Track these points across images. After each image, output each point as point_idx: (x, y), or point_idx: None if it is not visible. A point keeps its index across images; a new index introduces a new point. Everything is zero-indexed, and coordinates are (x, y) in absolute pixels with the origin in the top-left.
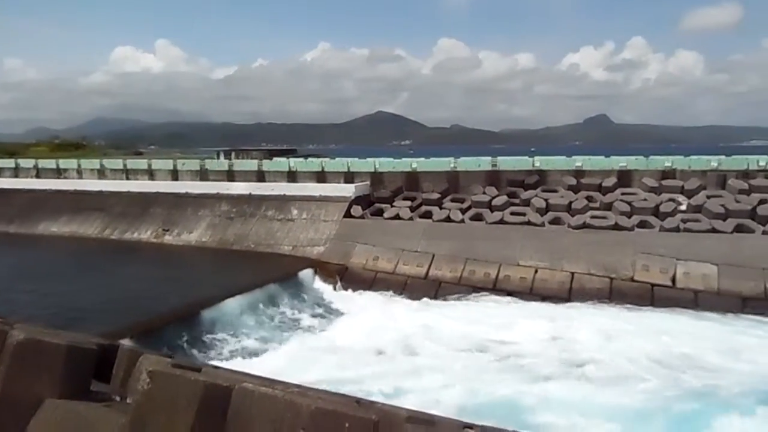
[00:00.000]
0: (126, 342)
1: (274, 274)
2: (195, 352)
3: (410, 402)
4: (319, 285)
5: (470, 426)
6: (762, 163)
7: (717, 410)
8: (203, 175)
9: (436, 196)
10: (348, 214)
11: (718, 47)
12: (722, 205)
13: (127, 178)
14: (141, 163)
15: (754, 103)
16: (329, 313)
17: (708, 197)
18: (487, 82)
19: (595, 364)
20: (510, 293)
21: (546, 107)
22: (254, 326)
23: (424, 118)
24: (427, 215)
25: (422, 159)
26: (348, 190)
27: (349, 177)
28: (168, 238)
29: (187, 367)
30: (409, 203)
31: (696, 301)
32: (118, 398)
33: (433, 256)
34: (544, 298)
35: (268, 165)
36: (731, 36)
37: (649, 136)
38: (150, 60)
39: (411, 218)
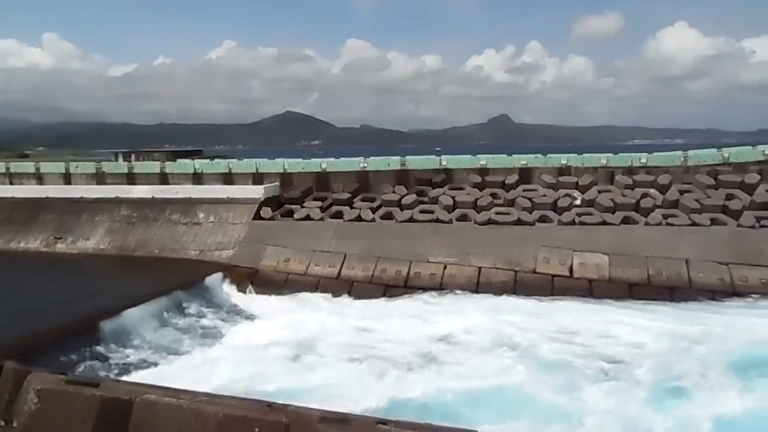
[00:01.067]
0: (11, 362)
1: (180, 280)
2: (94, 366)
3: (316, 400)
4: (229, 289)
5: (384, 422)
6: (643, 161)
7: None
8: (100, 178)
9: (346, 195)
10: (257, 216)
11: (604, 53)
12: (611, 199)
13: (11, 183)
14: (27, 166)
15: (636, 106)
16: (239, 317)
17: (599, 192)
18: (396, 82)
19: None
20: (421, 290)
21: (452, 107)
22: (159, 336)
23: (333, 118)
24: (338, 215)
25: (332, 159)
26: (257, 191)
27: (257, 178)
28: (61, 246)
29: (82, 383)
30: (319, 204)
31: (591, 289)
32: (2, 423)
33: (345, 255)
34: (454, 292)
35: (171, 167)
36: (615, 43)
37: (547, 135)
38: (37, 55)
39: (322, 219)
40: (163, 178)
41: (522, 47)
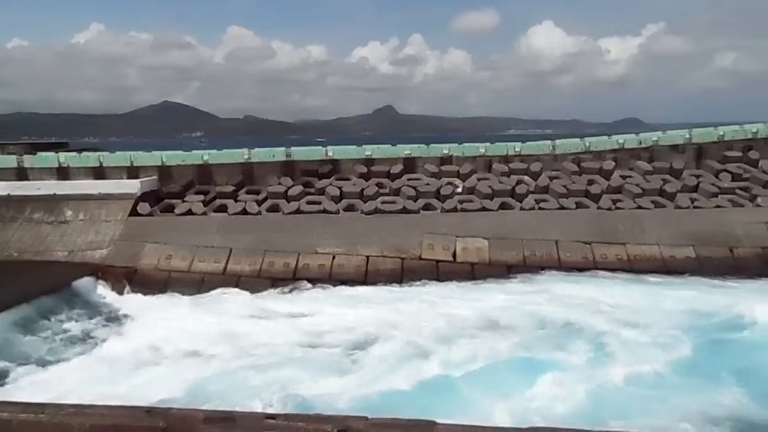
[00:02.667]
0: None
1: (47, 284)
2: None
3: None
4: (104, 291)
5: (272, 416)
6: (517, 149)
7: None
8: None
9: (230, 188)
10: (134, 212)
11: (482, 48)
12: (490, 187)
13: None
14: None
15: (511, 98)
16: (115, 321)
17: (479, 180)
18: (281, 72)
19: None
20: (310, 281)
21: (338, 98)
22: (23, 347)
23: (216, 109)
24: (222, 209)
25: (214, 151)
26: (133, 186)
27: (133, 172)
28: None
29: None
30: (201, 197)
31: (473, 272)
32: None
33: (231, 250)
34: (343, 282)
35: (31, 161)
36: (491, 38)
37: (430, 125)
38: None
39: (205, 213)
40: (22, 174)
41: (405, 40)
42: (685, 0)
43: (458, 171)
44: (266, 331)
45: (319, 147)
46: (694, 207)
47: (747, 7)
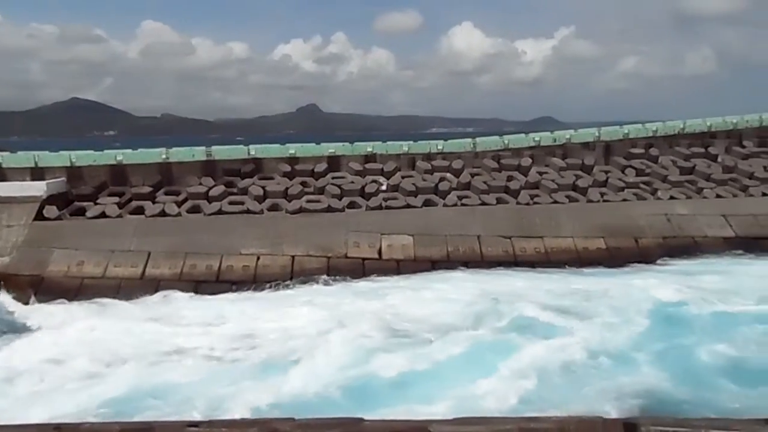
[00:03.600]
0: None
1: None
2: None
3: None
4: (6, 301)
5: (194, 424)
6: (440, 147)
7: None
8: None
9: (147, 189)
10: (40, 217)
11: (404, 47)
12: (413, 184)
13: None
14: None
15: (434, 97)
16: (18, 332)
17: (402, 177)
18: (201, 69)
19: None
20: (234, 283)
21: (261, 96)
22: None
23: (131, 107)
24: (139, 211)
25: (129, 150)
26: (38, 188)
27: (37, 173)
28: None
29: None
30: (116, 199)
31: (398, 268)
32: None
33: (149, 254)
34: (268, 283)
35: None
36: (414, 38)
37: (354, 124)
38: None
39: (120, 216)
40: None
41: (328, 38)
42: (593, 7)
43: (382, 169)
44: (186, 338)
45: (241, 146)
46: (604, 201)
47: (647, 15)
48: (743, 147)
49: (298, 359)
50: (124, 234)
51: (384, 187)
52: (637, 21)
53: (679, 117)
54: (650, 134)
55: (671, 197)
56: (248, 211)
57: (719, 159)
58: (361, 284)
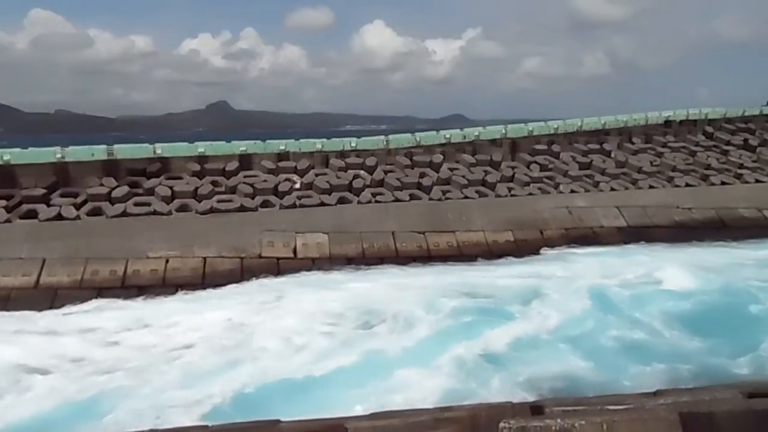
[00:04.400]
0: None
1: None
2: None
3: None
4: None
5: None
6: (353, 144)
7: None
8: None
9: (40, 191)
10: None
11: (317, 44)
12: (327, 182)
13: None
14: None
15: (347, 95)
16: None
17: (316, 175)
18: (101, 63)
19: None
20: (141, 288)
21: (168, 93)
22: None
23: (20, 102)
24: (31, 215)
25: (17, 149)
26: None
27: None
28: None
29: None
30: (4, 203)
31: (313, 266)
32: None
33: (44, 260)
34: (179, 286)
35: None
36: (326, 35)
37: (267, 121)
38: None
39: (8, 220)
40: None
41: (237, 33)
42: (497, 10)
43: (296, 167)
44: (79, 352)
45: (147, 144)
46: (511, 195)
47: (547, 19)
48: (632, 143)
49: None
50: (14, 240)
51: (297, 186)
52: (538, 24)
53: (577, 115)
54: (552, 132)
55: (572, 191)
56: (155, 213)
57: (612, 155)
58: (279, 279)
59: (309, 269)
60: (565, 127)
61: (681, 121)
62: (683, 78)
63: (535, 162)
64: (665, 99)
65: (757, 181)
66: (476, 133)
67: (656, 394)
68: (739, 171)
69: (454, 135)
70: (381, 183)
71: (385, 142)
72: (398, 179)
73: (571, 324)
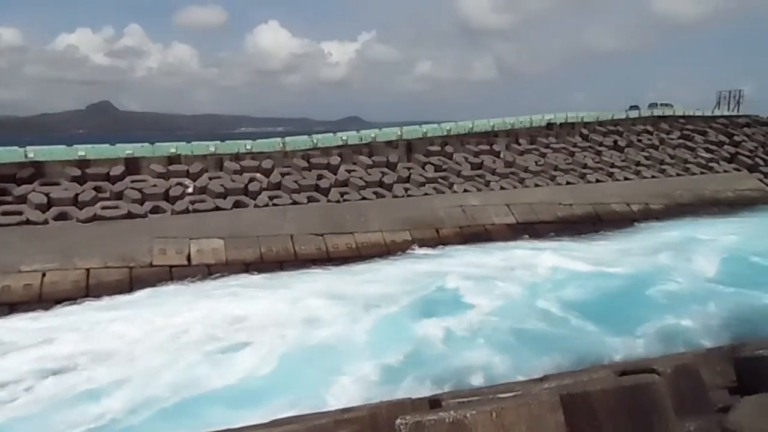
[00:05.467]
0: None
1: None
2: None
3: None
4: None
5: None
6: (248, 147)
7: None
8: None
9: None
10: None
11: (208, 44)
12: (222, 185)
13: None
14: None
15: (242, 96)
16: None
17: (210, 179)
18: None
19: None
20: (12, 305)
21: (41, 91)
22: None
23: None
24: None
25: None
26: None
27: None
28: None
29: None
30: None
31: (210, 273)
32: None
33: None
34: (58, 301)
35: None
36: (219, 35)
37: (156, 123)
38: None
39: None
40: None
41: (121, 29)
42: (390, 14)
43: (188, 170)
44: None
45: (16, 147)
46: (408, 195)
47: (438, 25)
48: (519, 144)
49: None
50: None
51: (190, 190)
52: (430, 30)
53: (468, 117)
54: (445, 133)
55: (465, 190)
56: (28, 222)
57: (501, 155)
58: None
59: (204, 276)
60: (457, 129)
61: (561, 124)
62: (561, 84)
63: (430, 163)
64: (546, 103)
65: (626, 178)
66: (372, 135)
67: (543, 379)
68: (611, 170)
69: (351, 137)
70: (278, 186)
71: (281, 144)
72: (296, 181)
73: None
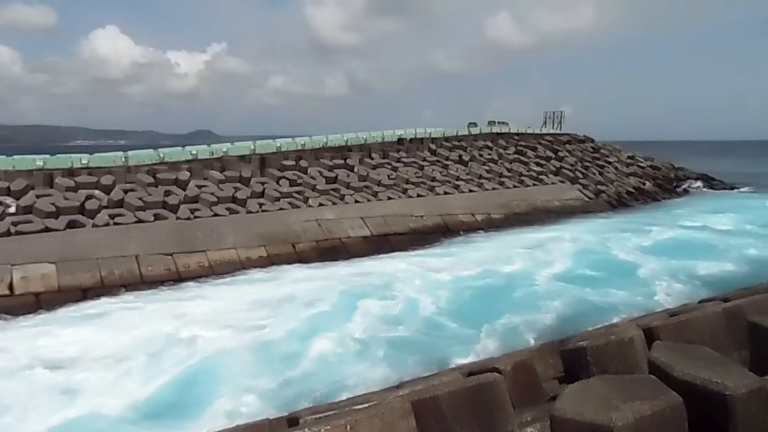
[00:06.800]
0: None
1: None
2: None
3: None
4: None
5: None
6: (84, 161)
7: None
8: None
9: None
10: None
11: (35, 47)
12: (53, 204)
13: None
14: None
15: (77, 106)
16: None
17: (38, 197)
18: None
19: None
20: None
21: None
22: None
23: None
24: None
25: None
26: None
27: None
28: None
29: None
30: None
31: (38, 303)
32: None
33: None
34: None
35: None
36: (48, 38)
37: None
38: None
39: None
40: None
41: None
42: (240, 27)
43: (9, 188)
44: None
45: None
46: (263, 211)
47: (290, 41)
48: (372, 159)
49: None
50: None
51: (12, 209)
52: (282, 44)
53: (322, 132)
54: (299, 147)
55: (320, 204)
56: None
57: (355, 169)
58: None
59: (33, 307)
60: (311, 144)
61: (411, 139)
62: (411, 101)
63: (285, 177)
64: (397, 119)
65: (470, 190)
66: (224, 149)
67: (399, 386)
68: (457, 182)
69: (202, 151)
70: (120, 203)
71: (123, 159)
72: (140, 198)
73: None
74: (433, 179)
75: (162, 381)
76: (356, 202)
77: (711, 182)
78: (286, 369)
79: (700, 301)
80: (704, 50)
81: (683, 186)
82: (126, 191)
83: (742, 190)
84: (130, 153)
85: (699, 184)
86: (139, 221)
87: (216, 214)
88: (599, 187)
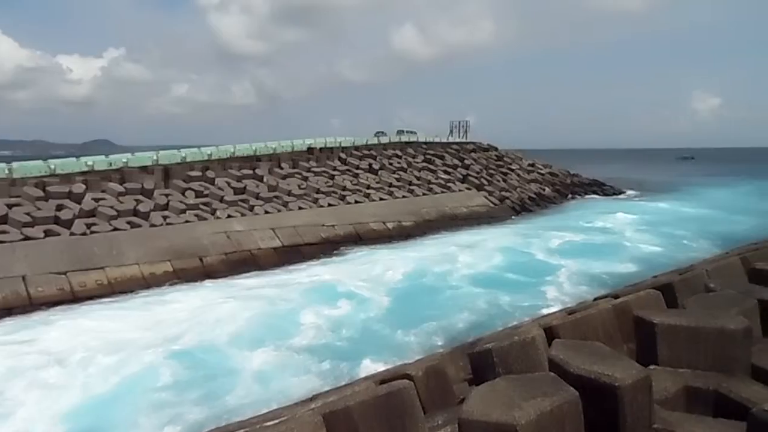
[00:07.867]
0: None
1: None
2: None
3: None
4: None
5: None
6: None
7: None
8: None
9: None
10: None
11: None
12: None
13: None
14: None
15: None
16: None
17: None
18: None
19: None
20: None
21: None
22: None
23: None
24: None
25: None
26: None
27: None
28: None
29: None
30: None
31: None
32: None
33: None
34: None
35: None
36: None
37: None
38: None
39: None
40: None
41: None
42: (140, 32)
43: None
44: None
45: None
46: (167, 224)
47: (193, 48)
48: (282, 168)
49: None
50: None
51: None
52: (184, 51)
53: (229, 142)
54: (206, 158)
55: (229, 215)
56: None
57: (265, 179)
58: None
59: None
60: (218, 154)
61: (321, 149)
62: (319, 109)
63: (190, 188)
64: (306, 128)
65: (381, 199)
66: (124, 160)
67: (312, 399)
68: (368, 191)
69: (99, 162)
70: (4, 219)
71: (7, 171)
72: (28, 213)
73: None
74: (344, 188)
75: None
76: (266, 212)
77: (602, 187)
78: None
79: (594, 299)
80: (594, 65)
81: (578, 191)
82: (10, 206)
83: (629, 193)
84: (15, 164)
85: (593, 189)
86: (27, 238)
87: (116, 229)
88: (503, 193)
